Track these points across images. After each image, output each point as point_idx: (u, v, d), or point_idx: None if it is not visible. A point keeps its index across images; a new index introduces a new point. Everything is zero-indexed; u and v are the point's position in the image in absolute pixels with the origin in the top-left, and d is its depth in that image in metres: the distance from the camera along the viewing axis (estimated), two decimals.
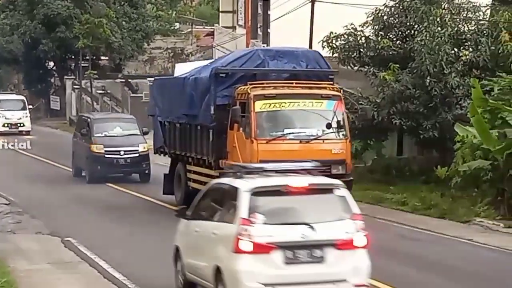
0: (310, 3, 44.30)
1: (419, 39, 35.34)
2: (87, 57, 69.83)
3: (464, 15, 37.81)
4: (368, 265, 15.86)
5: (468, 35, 36.76)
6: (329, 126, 23.90)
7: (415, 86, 34.51)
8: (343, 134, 24.50)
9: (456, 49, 35.88)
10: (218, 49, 63.76)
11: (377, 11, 38.18)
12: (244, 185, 16.05)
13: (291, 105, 24.10)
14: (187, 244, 17.70)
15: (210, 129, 25.62)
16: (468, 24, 37.53)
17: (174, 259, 17.98)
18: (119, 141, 35.79)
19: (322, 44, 37.70)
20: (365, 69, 37.33)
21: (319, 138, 24.18)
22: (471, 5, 38.04)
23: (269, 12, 51.29)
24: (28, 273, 19.35)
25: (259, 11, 54.00)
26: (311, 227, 15.77)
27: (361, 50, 37.68)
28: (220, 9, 67.43)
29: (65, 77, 76.20)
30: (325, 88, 24.84)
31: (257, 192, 15.91)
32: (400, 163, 37.08)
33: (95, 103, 68.02)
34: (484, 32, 36.61)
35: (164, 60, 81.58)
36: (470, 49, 36.43)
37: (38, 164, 45.81)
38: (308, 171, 16.83)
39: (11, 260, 20.60)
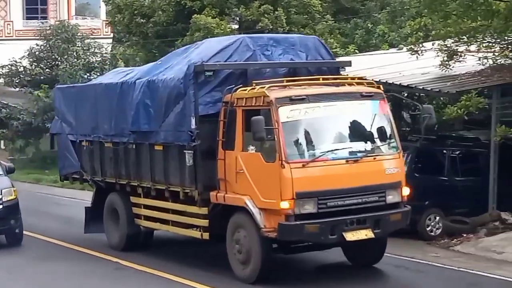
0: None
1: (62, 67, 35.20)
2: None
3: (93, 50, 37.78)
4: None
5: (96, 64, 36.82)
6: (379, 135, 12.72)
7: None
8: (394, 146, 12.75)
9: (88, 74, 35.73)
10: None
11: (31, 48, 37.42)
12: None
13: (327, 110, 12.30)
14: None
15: (190, 149, 13.22)
16: (95, 56, 37.57)
17: None
18: None
19: None
20: (24, 89, 36.69)
21: (369, 155, 12.38)
22: (97, 44, 38.16)
23: None
24: None
25: None
26: None
27: (21, 75, 36.97)
28: None
29: None
30: (360, 84, 13.04)
31: None
32: (53, 154, 36.32)
33: None
34: (107, 61, 36.90)
35: None
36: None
37: None
38: None
39: None
